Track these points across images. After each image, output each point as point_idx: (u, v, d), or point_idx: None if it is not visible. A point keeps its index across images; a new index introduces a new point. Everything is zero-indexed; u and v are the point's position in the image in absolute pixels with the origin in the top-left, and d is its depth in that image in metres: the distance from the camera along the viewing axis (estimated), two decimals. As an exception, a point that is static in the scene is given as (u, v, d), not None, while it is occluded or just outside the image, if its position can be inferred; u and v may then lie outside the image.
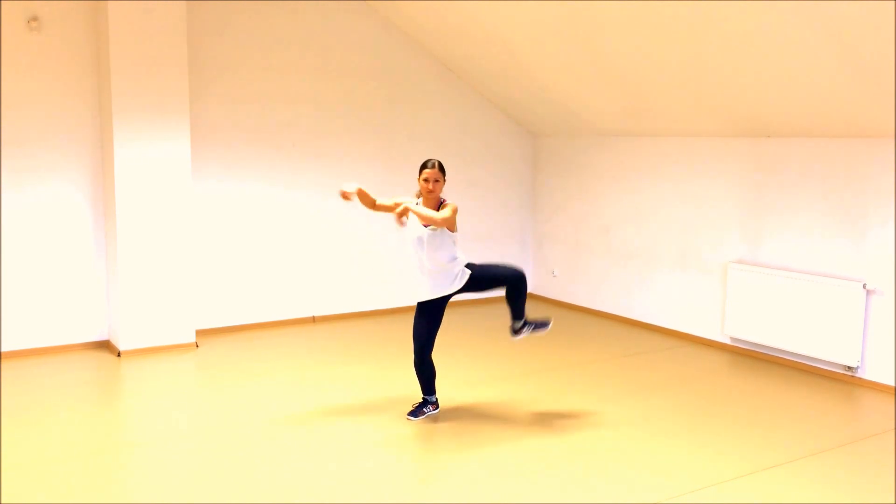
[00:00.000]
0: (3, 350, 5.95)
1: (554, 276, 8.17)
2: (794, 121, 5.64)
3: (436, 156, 7.73)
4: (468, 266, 4.58)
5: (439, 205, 4.55)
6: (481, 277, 4.60)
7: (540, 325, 4.74)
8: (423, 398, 4.78)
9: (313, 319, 7.25)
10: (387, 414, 4.83)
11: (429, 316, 4.60)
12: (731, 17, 4.83)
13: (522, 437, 4.50)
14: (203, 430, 4.63)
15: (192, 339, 6.32)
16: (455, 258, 4.54)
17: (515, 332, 4.77)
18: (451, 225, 4.44)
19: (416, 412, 4.73)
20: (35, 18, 5.83)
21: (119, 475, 4.06)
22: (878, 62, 4.55)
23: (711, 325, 6.54)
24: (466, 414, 4.83)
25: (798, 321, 5.76)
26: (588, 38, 5.90)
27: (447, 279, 4.52)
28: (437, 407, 4.80)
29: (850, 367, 5.53)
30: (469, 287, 4.58)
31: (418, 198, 4.58)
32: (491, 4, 6.08)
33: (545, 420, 4.76)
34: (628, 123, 6.99)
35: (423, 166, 4.53)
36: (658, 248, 6.99)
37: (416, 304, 4.65)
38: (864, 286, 5.40)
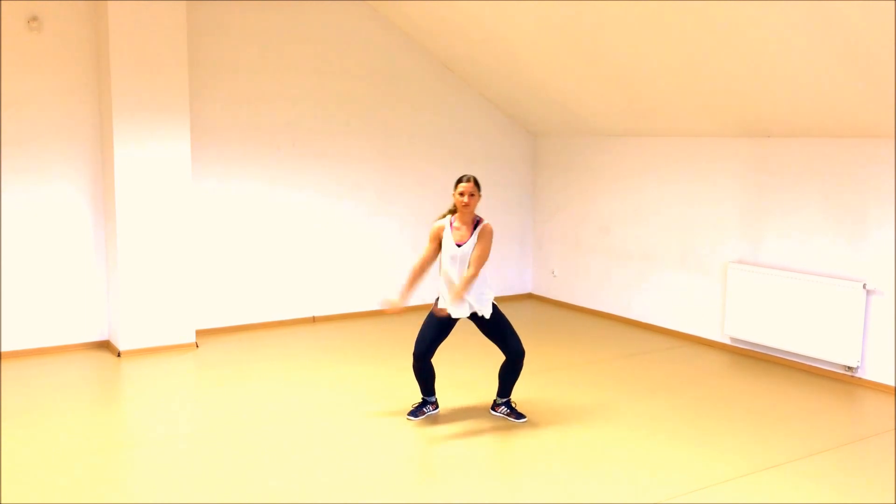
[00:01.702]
0: (3, 350, 5.95)
1: (554, 276, 8.17)
2: (794, 121, 5.64)
3: (435, 156, 7.76)
4: (495, 309, 4.62)
5: (475, 223, 4.55)
6: (498, 321, 4.61)
7: (519, 415, 4.75)
8: (422, 398, 4.78)
9: (313, 319, 7.25)
10: (387, 414, 4.83)
11: (441, 327, 4.60)
12: (731, 17, 4.83)
13: (522, 437, 4.50)
14: (203, 430, 4.63)
15: (192, 339, 6.32)
16: (485, 279, 4.56)
17: (494, 406, 4.82)
18: (484, 257, 4.50)
19: (416, 412, 4.73)
20: (35, 18, 5.83)
21: (119, 475, 4.06)
22: (878, 62, 4.55)
23: (711, 325, 6.54)
24: (466, 414, 4.83)
25: (798, 321, 5.76)
26: (588, 38, 5.90)
27: (476, 298, 4.52)
28: (437, 407, 4.81)
29: (850, 367, 5.53)
30: (484, 323, 4.59)
31: (453, 213, 4.59)
32: (491, 4, 6.08)
33: (545, 420, 4.75)
34: (628, 123, 6.99)
35: (459, 181, 4.55)
36: (658, 248, 6.99)
37: (430, 312, 4.64)
38: (864, 286, 5.40)
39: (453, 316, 4.54)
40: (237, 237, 6.81)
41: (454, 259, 4.52)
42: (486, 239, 4.49)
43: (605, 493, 3.81)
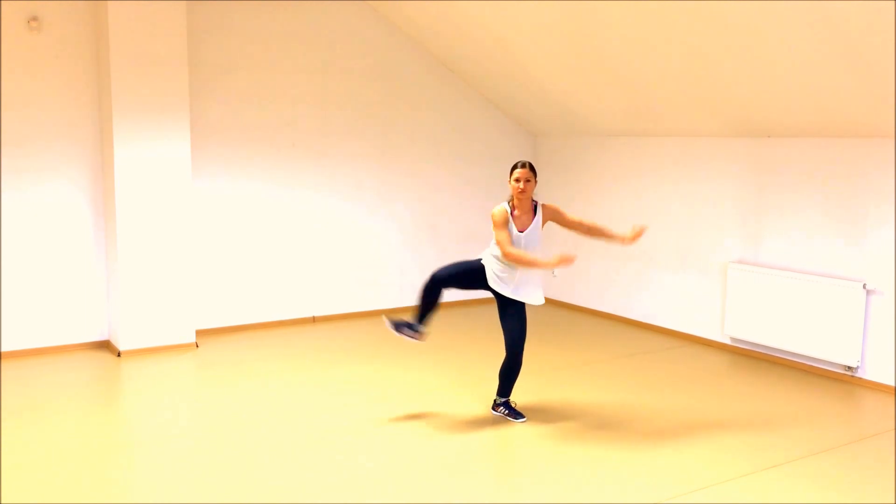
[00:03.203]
0: (3, 350, 5.95)
1: (554, 277, 8.17)
2: (794, 121, 5.64)
3: (436, 156, 7.76)
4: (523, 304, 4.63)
5: (535, 207, 4.57)
6: (521, 311, 4.61)
7: (517, 415, 4.72)
8: (409, 321, 4.72)
9: (313, 319, 7.25)
10: (386, 414, 4.83)
11: (473, 277, 4.58)
12: (730, 17, 4.83)
13: (522, 437, 4.50)
14: (203, 430, 4.63)
15: (192, 339, 6.32)
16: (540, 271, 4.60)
17: (494, 406, 4.81)
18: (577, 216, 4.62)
19: (397, 326, 4.71)
20: (35, 18, 5.83)
21: (119, 475, 4.06)
22: (878, 62, 4.55)
23: (711, 325, 6.54)
24: (465, 413, 4.83)
25: (798, 321, 5.76)
26: (588, 38, 5.90)
27: (532, 284, 4.55)
28: (421, 337, 4.72)
29: (850, 367, 5.53)
30: (512, 304, 4.58)
31: (510, 201, 4.56)
32: (491, 4, 6.08)
33: (545, 420, 4.75)
34: (628, 123, 6.99)
35: (514, 167, 4.53)
36: (658, 248, 6.98)
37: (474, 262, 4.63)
38: (864, 286, 5.40)
39: (503, 293, 4.52)
40: (237, 237, 6.81)
41: (518, 241, 4.50)
42: (556, 208, 4.59)
43: (605, 493, 3.81)
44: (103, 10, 5.84)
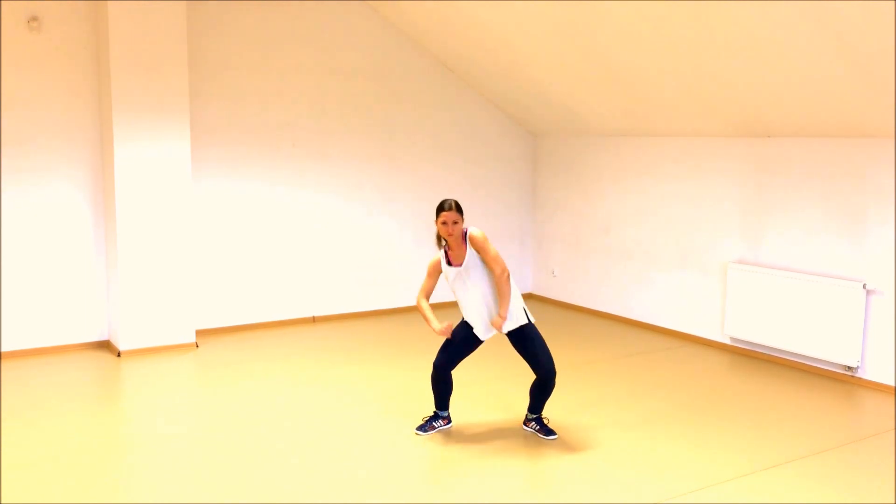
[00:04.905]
0: (3, 350, 5.95)
1: (554, 276, 8.17)
2: (794, 121, 5.64)
3: (435, 155, 7.76)
4: (529, 323, 4.40)
5: (463, 237, 4.33)
6: (530, 336, 4.40)
7: (548, 432, 4.54)
8: (434, 412, 4.61)
9: (313, 319, 7.25)
10: (387, 414, 4.83)
11: (467, 343, 4.44)
12: (731, 17, 4.83)
13: (522, 437, 4.50)
14: (203, 430, 4.63)
15: (192, 339, 6.32)
16: (515, 293, 4.37)
17: (526, 422, 4.65)
18: (496, 263, 4.30)
19: (426, 426, 4.56)
20: (35, 18, 5.83)
21: (119, 475, 4.06)
22: (878, 62, 4.55)
23: (711, 325, 6.54)
24: (465, 414, 4.83)
25: (798, 321, 5.76)
26: (588, 38, 5.90)
27: (479, 315, 4.38)
28: (450, 422, 4.62)
29: (850, 367, 5.53)
30: (516, 336, 4.41)
31: (439, 240, 4.39)
32: (491, 4, 6.08)
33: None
34: (628, 123, 6.99)
35: (440, 208, 4.26)
36: (658, 248, 6.99)
37: (458, 325, 4.47)
38: (864, 286, 5.40)
39: (482, 338, 4.42)
40: (237, 237, 6.81)
41: (459, 276, 4.33)
42: (481, 244, 4.29)
43: (606, 493, 3.81)
44: (103, 10, 5.84)
